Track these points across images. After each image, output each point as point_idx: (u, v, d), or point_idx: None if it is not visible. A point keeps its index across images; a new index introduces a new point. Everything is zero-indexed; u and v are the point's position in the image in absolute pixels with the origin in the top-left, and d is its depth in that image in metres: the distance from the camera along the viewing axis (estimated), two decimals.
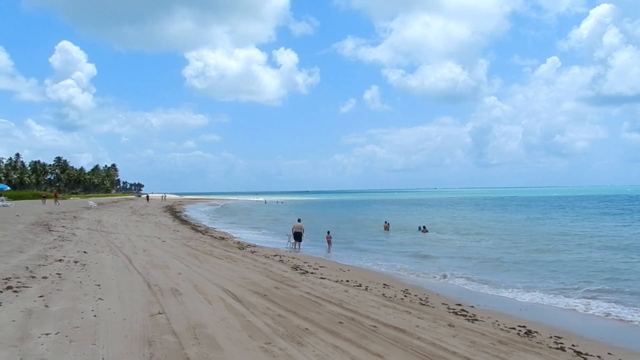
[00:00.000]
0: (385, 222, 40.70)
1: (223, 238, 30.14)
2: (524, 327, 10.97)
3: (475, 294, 15.49)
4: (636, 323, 12.17)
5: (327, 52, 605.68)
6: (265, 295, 12.17)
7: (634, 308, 13.35)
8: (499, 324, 11.08)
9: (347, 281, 15.89)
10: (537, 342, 9.64)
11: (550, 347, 9.33)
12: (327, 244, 28.22)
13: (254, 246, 26.16)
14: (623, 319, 12.56)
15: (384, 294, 13.90)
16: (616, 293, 15.13)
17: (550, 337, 10.18)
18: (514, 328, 10.79)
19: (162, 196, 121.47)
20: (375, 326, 9.73)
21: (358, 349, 8.10)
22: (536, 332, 10.57)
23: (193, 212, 68.75)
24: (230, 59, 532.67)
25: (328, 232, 29.04)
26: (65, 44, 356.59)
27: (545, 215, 55.31)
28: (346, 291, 13.82)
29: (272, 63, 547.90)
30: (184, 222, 44.95)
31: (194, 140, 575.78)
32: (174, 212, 63.29)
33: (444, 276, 18.52)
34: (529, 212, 63.54)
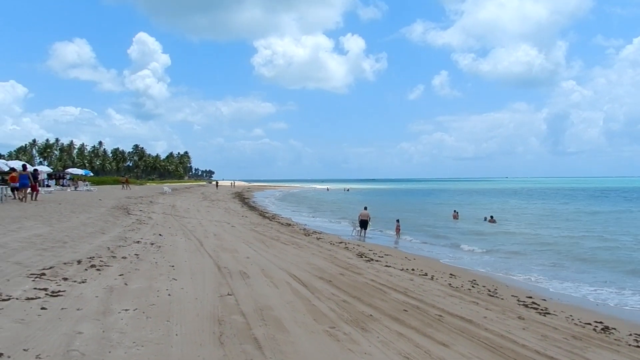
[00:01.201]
0: (455, 210, 39.80)
1: (289, 224, 30.69)
2: (600, 322, 10.41)
3: (546, 287, 14.86)
4: None
5: (395, 37, 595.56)
6: (330, 281, 12.30)
7: None
8: (572, 319, 10.59)
9: (413, 270, 15.73)
10: (615, 339, 9.13)
11: (630, 345, 8.81)
12: (394, 233, 28.03)
13: (320, 233, 26.45)
14: None
15: (450, 284, 13.65)
16: None
17: (630, 335, 9.60)
18: (589, 323, 10.27)
19: (232, 183, 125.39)
20: (440, 315, 9.60)
21: (423, 337, 8.03)
22: (614, 328, 10.01)
23: (261, 199, 70.46)
24: (298, 46, 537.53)
25: (397, 221, 28.79)
26: (142, 36, 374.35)
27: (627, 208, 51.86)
28: (411, 280, 13.70)
29: (339, 49, 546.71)
30: (252, 208, 46.18)
31: (262, 128, 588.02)
32: (242, 198, 65.16)
33: (521, 259, 17.91)
34: (610, 203, 59.84)
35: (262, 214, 38.03)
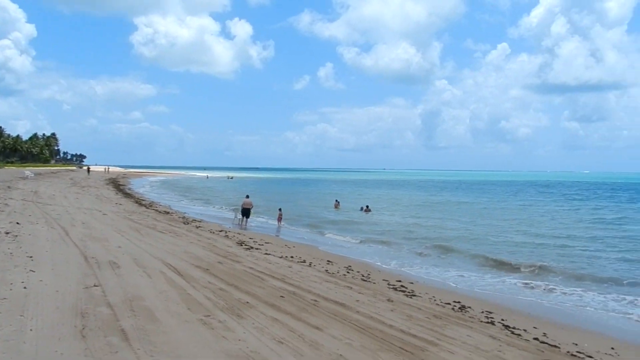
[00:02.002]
0: (336, 200, 41.05)
1: (167, 212, 29.54)
2: (458, 302, 11.42)
3: (414, 272, 15.94)
4: (565, 302, 12.89)
5: (282, 26, 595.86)
6: (207, 269, 12.06)
7: (567, 286, 14.10)
8: (435, 300, 11.49)
9: (292, 257, 15.98)
10: (470, 317, 10.08)
11: (481, 321, 9.77)
12: (276, 221, 28.22)
13: (200, 221, 25.80)
14: (552, 293, 13.27)
15: (327, 270, 14.09)
16: (552, 272, 15.90)
17: (482, 312, 10.65)
18: (449, 303, 11.22)
19: (105, 168, 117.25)
20: (316, 300, 9.87)
21: (297, 321, 8.20)
22: (470, 307, 11.03)
23: (138, 186, 66.88)
24: (182, 26, 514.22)
25: (279, 210, 28.99)
26: (1, 1, 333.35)
27: (501, 199, 57.39)
28: (290, 267, 13.91)
29: (226, 34, 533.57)
30: (128, 195, 43.66)
31: (141, 111, 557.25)
32: (117, 185, 61.31)
33: (392, 246, 19.02)
34: (481, 195, 65.81)
35: (139, 202, 36.13)
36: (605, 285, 14.26)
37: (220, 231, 21.81)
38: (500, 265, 16.78)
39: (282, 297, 9.89)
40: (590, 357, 8.08)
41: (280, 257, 15.62)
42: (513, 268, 16.29)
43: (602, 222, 31.88)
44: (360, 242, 22.50)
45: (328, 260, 16.10)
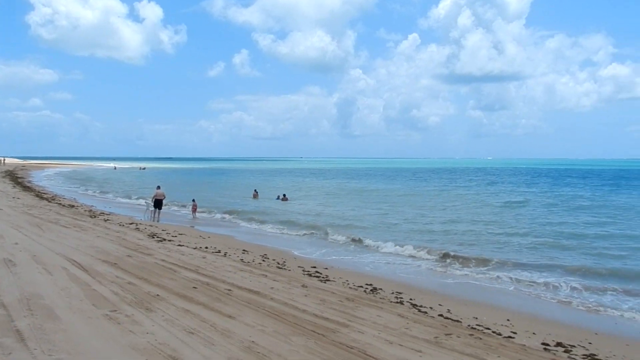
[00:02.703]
0: (255, 190, 40.72)
1: (73, 206, 27.82)
2: (370, 285, 11.82)
3: (330, 257, 16.24)
4: (464, 278, 13.74)
5: (195, 10, 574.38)
6: (115, 263, 11.56)
7: (470, 266, 15.03)
8: (348, 283, 11.81)
9: (207, 248, 15.70)
10: (380, 298, 10.48)
11: (391, 302, 10.20)
12: (191, 212, 27.53)
13: (108, 214, 24.58)
14: (456, 274, 14.11)
15: (242, 259, 14.00)
16: (458, 255, 16.85)
17: (392, 293, 11.11)
18: (361, 286, 11.58)
19: (1, 160, 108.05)
20: (230, 290, 9.80)
21: (210, 311, 8.10)
22: (381, 289, 11.46)
23: (39, 178, 62.28)
24: (85, 7, 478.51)
25: (193, 200, 28.25)
26: None
27: (413, 185, 59.60)
28: (204, 257, 13.67)
29: (134, 16, 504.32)
30: (27, 188, 40.56)
31: (41, 98, 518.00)
32: (15, 177, 56.72)
33: (310, 234, 19.27)
34: (394, 182, 68.11)
35: (39, 195, 33.69)
36: (504, 264, 15.32)
37: (131, 224, 20.93)
38: (413, 250, 17.47)
39: (195, 288, 9.71)
40: (488, 328, 8.70)
41: (195, 248, 15.30)
42: (424, 252, 17.02)
43: (506, 206, 34.18)
44: (277, 230, 22.56)
45: (244, 250, 15.99)
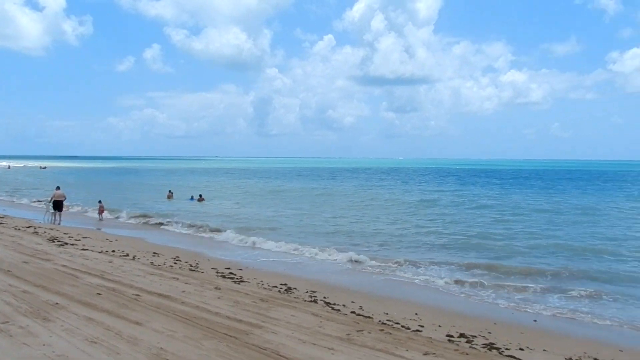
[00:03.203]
0: (169, 191, 39.26)
1: None
2: (285, 284, 11.82)
3: (245, 257, 16.05)
4: (377, 275, 14.15)
5: (101, 1, 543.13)
6: (9, 271, 10.66)
7: (381, 262, 15.48)
8: (263, 284, 11.72)
9: (114, 251, 14.92)
10: (295, 297, 10.51)
11: (305, 301, 10.26)
12: (97, 214, 26.03)
13: (2, 217, 22.62)
14: (368, 271, 14.49)
15: (152, 263, 13.46)
16: (363, 248, 17.35)
17: (307, 292, 11.18)
18: (276, 286, 11.54)
19: None
20: (138, 295, 9.37)
21: (116, 318, 7.69)
22: (295, 288, 11.50)
23: None
24: None
25: (99, 202, 26.72)
26: None
27: (325, 184, 60.29)
28: (110, 262, 12.97)
29: (33, 4, 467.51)
30: None
31: None
32: None
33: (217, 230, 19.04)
34: (306, 181, 68.59)
35: None
36: (415, 261, 15.93)
37: (28, 227, 19.42)
38: (329, 250, 17.67)
39: (99, 294, 9.18)
40: (398, 323, 9.01)
41: (100, 252, 14.49)
42: (339, 252, 17.27)
43: (419, 204, 35.62)
44: (192, 231, 21.96)
45: (154, 253, 15.38)
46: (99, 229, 21.74)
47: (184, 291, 10.01)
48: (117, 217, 26.51)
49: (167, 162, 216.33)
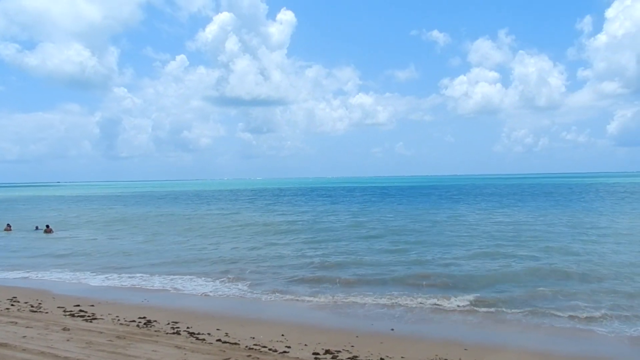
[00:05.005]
0: (8, 224, 34.48)
1: None
2: (144, 317, 11.12)
3: (98, 291, 14.78)
4: (243, 300, 13.96)
5: None
6: None
7: (244, 285, 15.32)
8: (119, 319, 10.90)
9: None
10: (155, 331, 9.93)
11: (167, 333, 9.76)
12: None
13: None
14: (233, 294, 14.22)
15: None
16: (238, 275, 17.01)
17: (168, 324, 10.64)
18: (134, 320, 10.80)
19: None
20: None
21: None
22: (156, 320, 10.86)
23: None
24: None
25: None
26: None
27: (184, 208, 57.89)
28: None
29: None
30: None
31: None
32: None
33: (75, 268, 17.13)
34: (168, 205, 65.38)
35: None
36: (277, 280, 16.09)
37: None
38: (191, 276, 17.02)
39: None
40: (265, 346, 8.99)
41: None
42: (204, 277, 16.71)
43: (286, 225, 36.00)
44: (34, 266, 19.58)
45: None
46: None
47: (25, 336, 8.90)
48: None
49: None
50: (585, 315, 11.57)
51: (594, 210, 40.46)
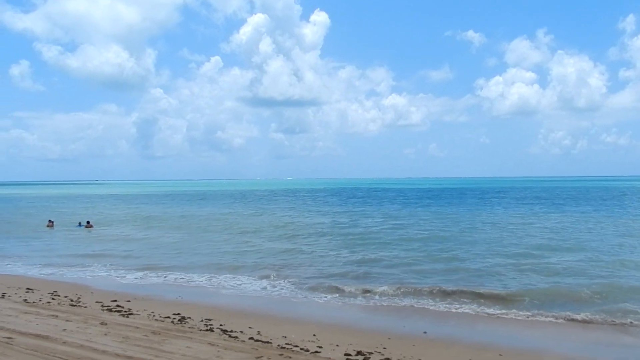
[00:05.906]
0: (50, 220, 35.70)
1: None
2: (178, 314, 11.30)
3: (134, 287, 15.13)
4: (275, 298, 14.07)
5: None
6: None
7: (285, 283, 15.43)
8: (154, 315, 11.11)
9: None
10: (189, 327, 10.08)
11: (201, 330, 9.89)
12: None
13: None
14: (268, 294, 14.34)
15: (26, 300, 12.20)
16: (271, 269, 17.18)
17: (202, 320, 10.78)
18: (168, 317, 10.99)
19: None
20: (10, 337, 8.44)
21: None
22: (190, 317, 11.02)
23: None
24: None
25: None
26: None
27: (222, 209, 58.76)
28: None
29: None
30: None
31: None
32: None
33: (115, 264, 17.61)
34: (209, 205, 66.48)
35: None
36: (313, 278, 16.15)
37: None
38: (225, 274, 17.21)
39: None
40: (297, 346, 8.99)
41: None
42: (239, 275, 16.89)
43: (332, 226, 36.10)
44: (74, 262, 20.18)
45: (28, 288, 13.96)
46: None
47: (65, 330, 9.17)
48: None
49: (40, 187, 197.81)
50: (619, 321, 11.28)
51: None
